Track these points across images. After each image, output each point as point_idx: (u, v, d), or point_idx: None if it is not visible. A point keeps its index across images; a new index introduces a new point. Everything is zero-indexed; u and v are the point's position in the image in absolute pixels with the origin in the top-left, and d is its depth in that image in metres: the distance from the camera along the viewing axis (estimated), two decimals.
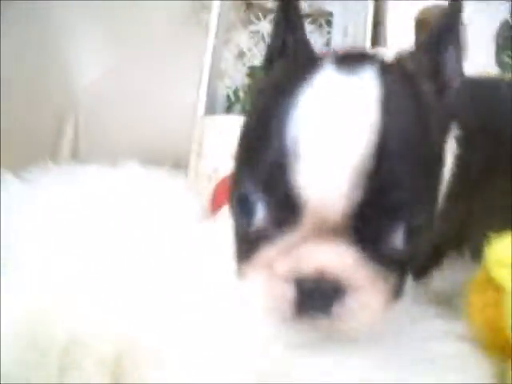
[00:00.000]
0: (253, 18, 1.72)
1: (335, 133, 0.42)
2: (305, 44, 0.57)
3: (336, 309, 0.44)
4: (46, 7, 1.52)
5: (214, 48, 1.39)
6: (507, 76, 1.59)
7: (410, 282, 0.62)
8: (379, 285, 0.45)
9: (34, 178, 0.90)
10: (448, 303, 0.66)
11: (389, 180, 0.42)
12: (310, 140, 0.42)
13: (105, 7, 1.63)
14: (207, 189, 1.08)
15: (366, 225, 0.42)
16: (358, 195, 0.41)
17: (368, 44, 1.51)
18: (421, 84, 0.51)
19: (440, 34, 0.55)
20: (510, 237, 0.54)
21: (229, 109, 1.52)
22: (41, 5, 1.50)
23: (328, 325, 0.46)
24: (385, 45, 1.49)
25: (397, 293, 0.48)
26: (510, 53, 1.66)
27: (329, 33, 1.70)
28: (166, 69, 1.60)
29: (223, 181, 1.00)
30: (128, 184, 1.00)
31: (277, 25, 0.60)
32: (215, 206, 0.95)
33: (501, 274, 0.53)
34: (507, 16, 1.63)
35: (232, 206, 0.51)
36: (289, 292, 0.44)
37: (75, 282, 0.60)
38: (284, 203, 0.43)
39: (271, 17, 1.69)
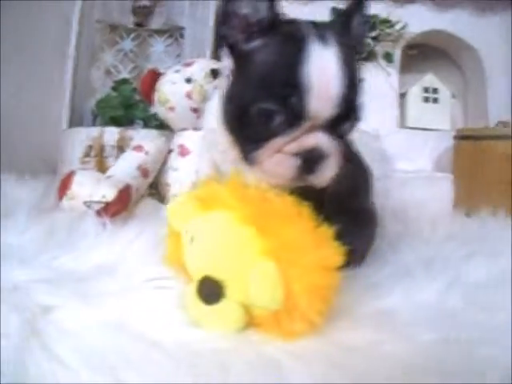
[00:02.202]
0: (117, 39, 1.99)
1: (326, 76, 0.70)
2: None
3: (320, 168, 0.74)
4: None
5: (76, 68, 1.66)
6: None
7: None
8: (337, 154, 0.75)
9: None
10: None
11: (349, 103, 0.72)
12: (314, 83, 0.69)
13: None
14: None
15: (336, 123, 0.73)
16: (336, 111, 0.71)
17: (209, 51, 1.80)
18: (349, 40, 0.79)
19: (350, 7, 0.83)
20: (182, 197, 0.76)
21: (94, 120, 1.79)
22: None
23: (313, 179, 0.75)
24: None
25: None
26: None
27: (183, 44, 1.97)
28: (46, 89, 1.91)
29: (63, 180, 1.29)
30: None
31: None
32: (59, 194, 1.26)
33: (174, 223, 0.75)
34: None
35: (244, 119, 0.75)
36: (296, 161, 0.72)
37: None
38: (296, 113, 0.70)
39: (133, 36, 2.00)
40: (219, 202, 0.70)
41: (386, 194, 1.55)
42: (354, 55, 0.78)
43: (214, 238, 0.68)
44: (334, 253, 0.65)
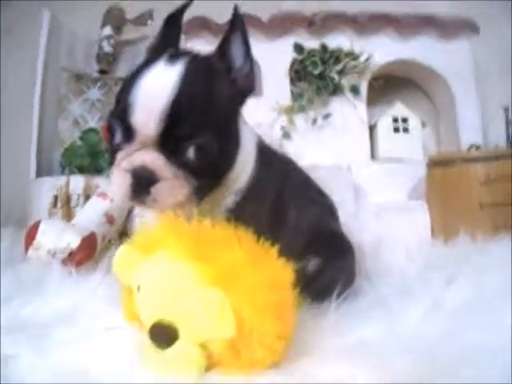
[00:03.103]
0: (83, 88, 1.97)
1: (152, 93, 0.70)
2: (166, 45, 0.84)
3: (153, 190, 0.71)
4: None
5: (42, 117, 1.67)
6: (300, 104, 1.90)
7: None
8: (181, 181, 0.72)
9: None
10: None
11: (178, 120, 0.70)
12: (140, 98, 0.70)
13: None
14: None
15: (167, 144, 0.71)
16: (161, 127, 0.69)
17: None
18: (213, 64, 0.81)
19: (227, 30, 0.83)
20: (123, 248, 0.72)
21: (63, 172, 1.70)
22: None
23: (150, 202, 0.72)
24: None
25: (198, 194, 0.76)
26: (299, 84, 1.94)
27: None
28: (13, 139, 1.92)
29: (28, 230, 1.26)
30: None
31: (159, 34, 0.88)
32: (26, 245, 1.23)
33: (122, 279, 0.72)
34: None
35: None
36: (127, 179, 0.72)
37: None
38: (127, 129, 0.72)
39: (99, 84, 1.99)
40: (158, 243, 0.69)
41: (362, 228, 1.53)
42: (211, 77, 0.78)
43: (158, 281, 0.66)
44: (280, 268, 0.63)
